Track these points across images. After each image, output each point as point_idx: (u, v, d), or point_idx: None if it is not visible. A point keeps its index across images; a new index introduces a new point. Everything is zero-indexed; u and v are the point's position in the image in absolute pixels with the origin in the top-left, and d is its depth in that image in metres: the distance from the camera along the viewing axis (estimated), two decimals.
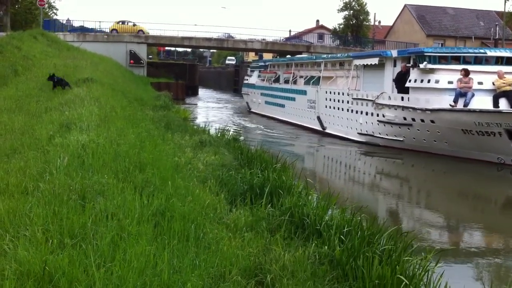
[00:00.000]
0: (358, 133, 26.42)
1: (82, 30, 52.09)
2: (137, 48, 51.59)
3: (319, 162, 23.99)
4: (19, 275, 4.43)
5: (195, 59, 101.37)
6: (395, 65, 24.70)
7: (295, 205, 8.34)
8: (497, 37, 52.18)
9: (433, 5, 68.82)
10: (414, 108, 22.17)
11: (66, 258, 4.65)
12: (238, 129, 30.97)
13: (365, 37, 63.36)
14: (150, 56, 78.65)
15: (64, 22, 54.08)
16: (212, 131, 18.17)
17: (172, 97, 38.35)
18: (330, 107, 29.84)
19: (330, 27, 71.94)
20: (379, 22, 73.86)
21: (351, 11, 64.86)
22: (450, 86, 21.25)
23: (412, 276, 6.35)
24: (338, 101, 28.75)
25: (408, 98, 22.69)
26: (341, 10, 65.24)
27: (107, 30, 52.93)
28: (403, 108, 22.89)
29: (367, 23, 66.40)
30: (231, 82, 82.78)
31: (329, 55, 35.21)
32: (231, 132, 19.02)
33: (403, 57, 24.23)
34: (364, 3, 64.95)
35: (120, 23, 54.02)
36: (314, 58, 35.92)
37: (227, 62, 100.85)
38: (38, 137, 9.15)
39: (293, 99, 35.66)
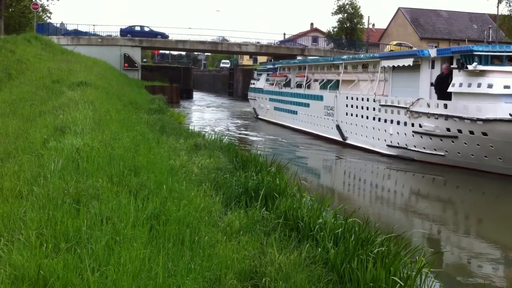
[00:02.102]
0: (387, 145, 23.26)
1: (76, 33, 52.02)
2: (131, 51, 51.57)
3: (339, 178, 21.02)
4: (13, 279, 4.42)
5: (189, 62, 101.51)
6: (433, 67, 21.52)
7: (289, 208, 8.36)
8: (490, 39, 52.50)
9: (427, 8, 69.20)
10: (461, 118, 18.90)
11: (60, 262, 4.64)
12: (245, 137, 28.87)
13: (359, 40, 63.55)
14: (144, 60, 78.56)
15: (58, 25, 53.97)
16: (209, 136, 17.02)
17: (166, 100, 38.33)
18: (352, 115, 26.44)
19: (324, 30, 72.18)
20: (373, 25, 74.24)
21: (345, 14, 65.10)
22: (507, 91, 18.19)
23: (407, 278, 6.37)
24: (362, 108, 25.42)
25: (454, 106, 19.33)
26: (335, 13, 65.49)
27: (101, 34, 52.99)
28: (447, 117, 19.51)
29: (361, 26, 66.63)
30: (226, 85, 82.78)
31: (350, 56, 31.61)
32: (238, 141, 17.40)
33: (443, 57, 20.99)
34: (358, 6, 65.26)
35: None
36: (331, 59, 32.35)
37: (221, 65, 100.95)
38: (32, 141, 9.13)
39: (307, 105, 32.41)
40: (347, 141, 26.88)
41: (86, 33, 52.51)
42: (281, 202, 8.72)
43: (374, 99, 24.38)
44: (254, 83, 45.28)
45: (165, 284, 4.79)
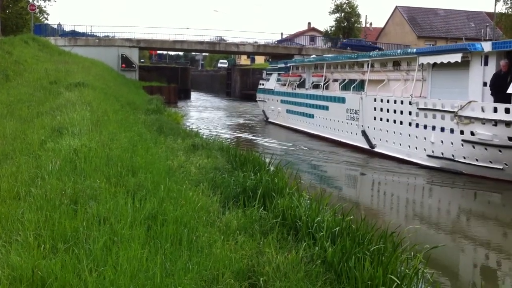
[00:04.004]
0: (427, 155, 20.27)
1: (74, 34, 52.04)
2: (128, 52, 51.58)
3: (366, 191, 18.45)
4: (11, 280, 4.43)
5: (187, 62, 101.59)
6: (486, 63, 18.50)
7: (287, 207, 8.37)
8: (487, 38, 52.51)
9: (424, 6, 69.35)
10: None
11: (58, 263, 4.65)
12: (255, 143, 26.95)
13: (356, 39, 63.63)
14: (142, 60, 78.67)
15: (55, 26, 53.98)
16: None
17: (164, 100, 38.34)
18: (381, 120, 23.55)
19: (322, 29, 72.22)
20: (371, 24, 74.50)
21: (343, 13, 65.24)
22: None
23: (404, 276, 6.40)
24: (395, 111, 22.47)
25: None
26: (333, 12, 65.63)
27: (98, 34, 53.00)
28: (508, 123, 16.65)
29: (359, 25, 66.77)
30: (223, 85, 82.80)
31: (379, 52, 28.55)
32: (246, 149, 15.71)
33: (500, 51, 17.97)
34: (356, 5, 65.46)
35: None
36: (355, 57, 28.82)
37: (219, 65, 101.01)
38: (30, 142, 9.14)
39: (325, 108, 29.57)
40: (376, 149, 24.04)
41: (83, 34, 52.55)
42: (279, 202, 8.73)
43: (410, 102, 21.39)
44: (263, 84, 42.49)
45: (163, 284, 4.80)
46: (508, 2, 51.04)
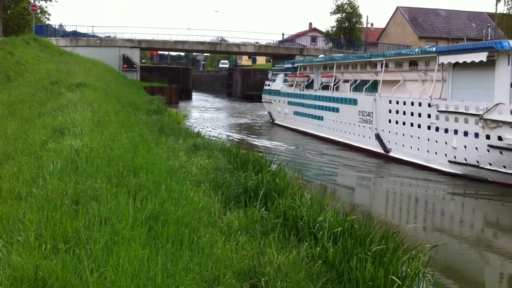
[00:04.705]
0: (449, 161, 19.23)
1: (75, 35, 52.05)
2: (130, 52, 51.59)
3: (380, 200, 17.18)
4: (12, 281, 4.43)
5: (188, 63, 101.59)
6: None
7: (289, 207, 8.36)
8: (489, 38, 52.44)
9: (425, 7, 69.31)
10: None
11: (59, 263, 4.65)
12: (261, 145, 26.01)
13: (358, 39, 63.59)
14: (143, 61, 78.69)
15: (57, 27, 54.00)
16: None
17: (165, 101, 38.35)
18: (397, 123, 22.57)
19: (323, 30, 72.18)
20: (372, 24, 74.39)
21: (344, 14, 65.10)
22: None
23: (405, 277, 6.38)
24: (412, 114, 21.47)
25: None
26: (334, 13, 65.50)
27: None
28: None
29: (360, 26, 66.65)
30: (224, 86, 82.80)
31: (394, 52, 27.19)
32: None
33: None
34: (357, 6, 65.31)
35: None
36: (367, 56, 27.88)
37: (220, 65, 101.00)
38: (31, 142, 9.14)
39: (335, 110, 28.57)
40: (391, 154, 22.96)
41: (84, 34, 52.55)
42: (280, 202, 8.72)
43: (429, 104, 20.41)
44: (269, 84, 41.60)
45: (164, 284, 4.79)
46: (509, 2, 50.97)
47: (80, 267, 4.69)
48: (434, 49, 21.94)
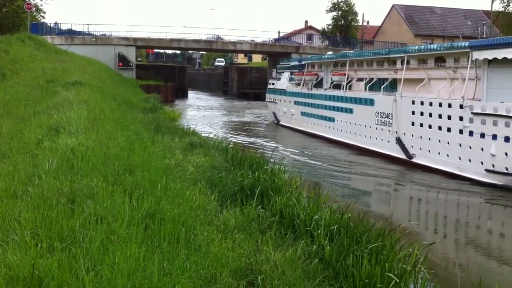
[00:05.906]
0: (486, 169, 17.22)
1: (70, 33, 51.88)
2: (125, 50, 51.46)
3: (404, 211, 15.40)
4: (8, 280, 4.41)
5: (184, 61, 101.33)
6: None
7: (285, 205, 8.36)
8: (484, 36, 52.56)
9: (421, 5, 69.41)
10: None
11: (55, 262, 4.64)
12: (265, 148, 23.88)
13: (354, 37, 63.61)
14: (139, 59, 78.44)
15: (52, 25, 53.81)
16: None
17: (161, 99, 38.30)
18: (422, 126, 20.51)
19: (319, 27, 72.17)
20: (368, 22, 74.42)
21: (340, 12, 65.09)
22: None
23: (402, 274, 6.39)
24: (440, 116, 19.35)
25: None
26: (330, 10, 65.45)
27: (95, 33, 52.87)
28: None
29: (356, 24, 66.67)
30: (221, 84, 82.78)
31: (417, 47, 23.87)
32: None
33: None
34: (352, 4, 65.28)
35: None
36: (385, 52, 25.34)
37: (216, 63, 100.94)
38: (27, 141, 9.11)
39: (349, 110, 26.55)
40: (414, 160, 20.95)
41: (80, 33, 52.38)
42: (277, 200, 8.72)
43: (461, 105, 18.31)
44: (273, 83, 39.39)
45: (161, 283, 4.78)
46: (504, 0, 51.09)
47: (76, 266, 4.68)
48: (466, 43, 19.43)
